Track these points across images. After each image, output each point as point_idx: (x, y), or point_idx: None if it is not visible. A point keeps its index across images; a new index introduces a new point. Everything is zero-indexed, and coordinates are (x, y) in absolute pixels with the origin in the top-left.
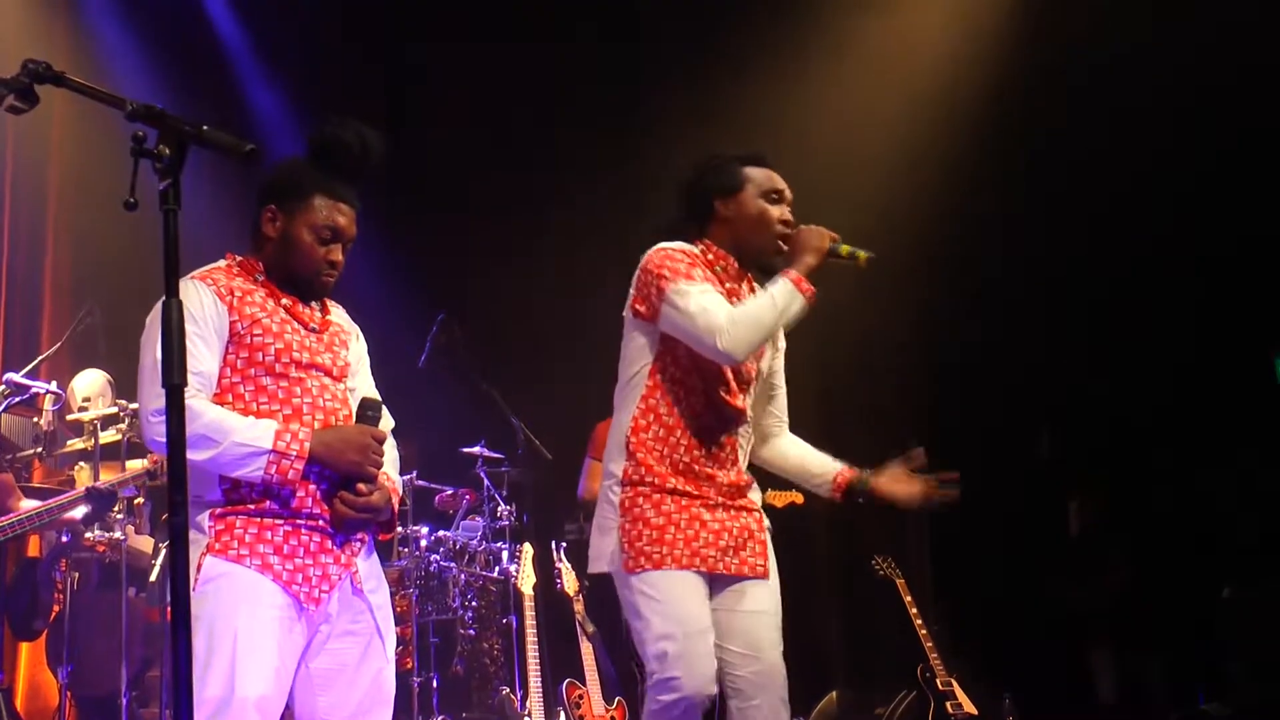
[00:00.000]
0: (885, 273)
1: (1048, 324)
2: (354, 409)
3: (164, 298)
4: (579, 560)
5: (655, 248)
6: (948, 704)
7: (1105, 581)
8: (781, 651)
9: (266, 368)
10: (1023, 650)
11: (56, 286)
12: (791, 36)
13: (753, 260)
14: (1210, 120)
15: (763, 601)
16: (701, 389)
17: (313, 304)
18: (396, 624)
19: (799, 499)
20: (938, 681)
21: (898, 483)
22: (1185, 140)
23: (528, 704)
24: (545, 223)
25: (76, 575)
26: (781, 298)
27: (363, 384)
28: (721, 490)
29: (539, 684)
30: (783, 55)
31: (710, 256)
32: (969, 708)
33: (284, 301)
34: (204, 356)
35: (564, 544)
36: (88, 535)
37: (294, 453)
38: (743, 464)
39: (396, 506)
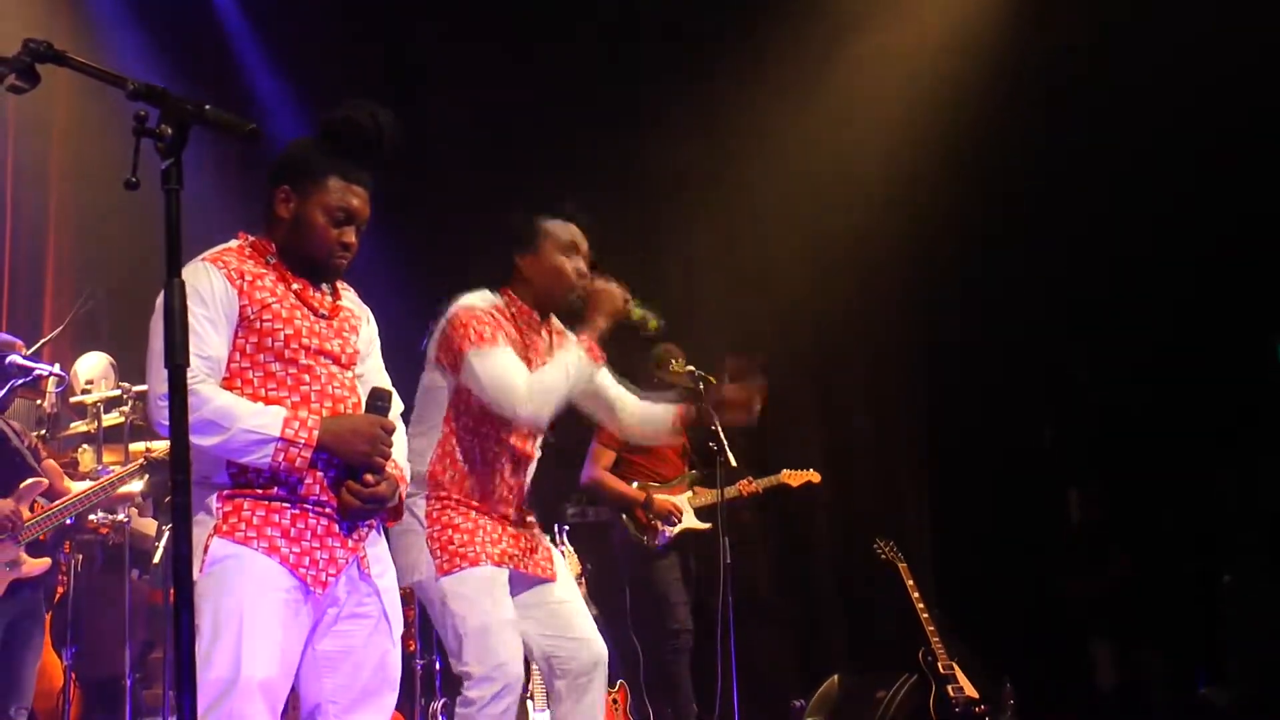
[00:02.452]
0: (888, 264)
1: (1049, 314)
2: (363, 395)
3: (167, 279)
4: (580, 543)
5: (462, 304)
6: (949, 688)
7: (1105, 569)
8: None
9: (276, 353)
10: (1023, 636)
11: (59, 269)
12: (793, 34)
13: (551, 310)
14: (1208, 111)
15: (569, 592)
16: (494, 434)
17: (324, 287)
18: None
19: (815, 478)
20: (939, 665)
21: (731, 401)
22: (1183, 129)
23: (529, 686)
24: (550, 207)
25: (80, 557)
26: (574, 366)
27: (373, 367)
28: (512, 522)
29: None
30: (784, 53)
31: (513, 310)
32: (970, 692)
33: (294, 286)
34: (213, 341)
35: (565, 527)
36: (91, 518)
37: (302, 441)
38: (525, 499)
39: (404, 494)
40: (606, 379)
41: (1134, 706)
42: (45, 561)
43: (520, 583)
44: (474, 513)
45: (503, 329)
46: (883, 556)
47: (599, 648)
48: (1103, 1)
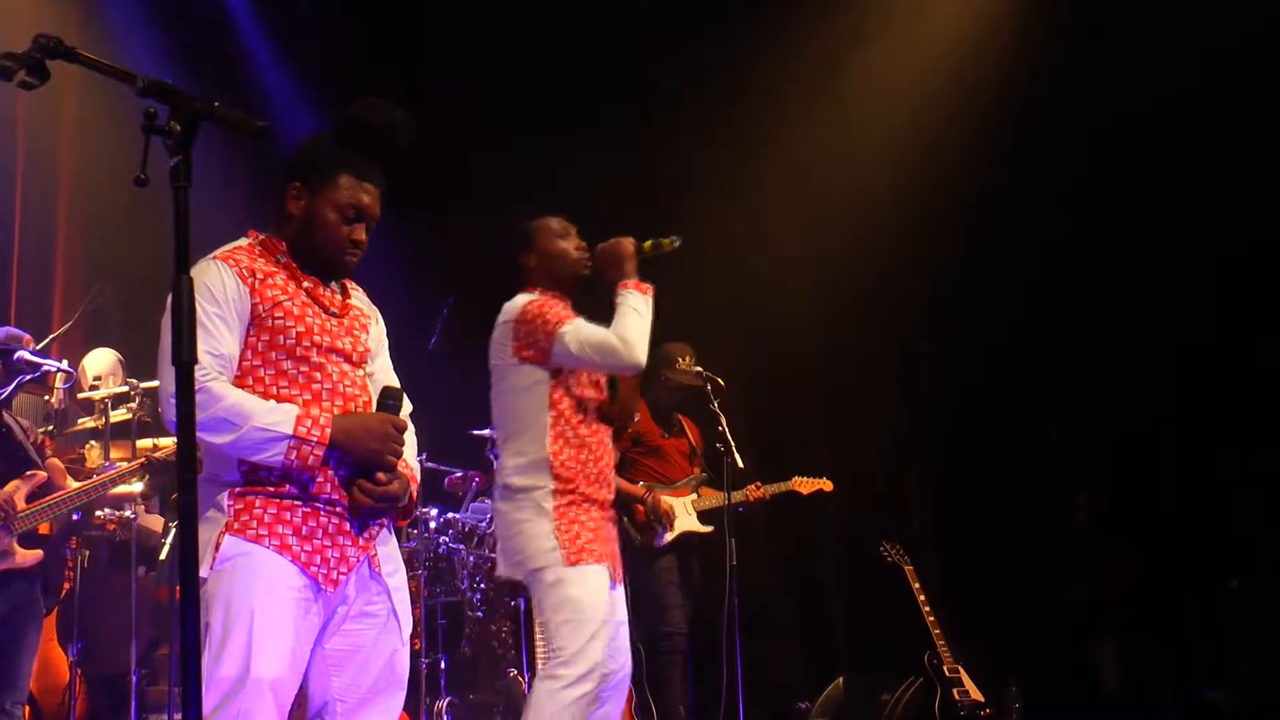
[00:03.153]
0: (892, 263)
1: (1056, 315)
2: (373, 393)
3: (176, 275)
4: None
5: (518, 304)
6: (954, 691)
7: (1112, 572)
8: None
9: (287, 351)
10: (1029, 638)
11: (68, 265)
12: (798, 41)
13: (571, 289)
14: (1215, 110)
15: (623, 607)
16: (590, 403)
17: (333, 285)
18: None
19: (828, 486)
20: (944, 668)
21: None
22: (1190, 129)
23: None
24: (554, 208)
25: (87, 553)
26: (640, 304)
27: (382, 366)
28: (611, 493)
29: None
30: (788, 51)
31: (549, 296)
32: (975, 695)
33: (305, 284)
34: (225, 338)
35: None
36: (98, 514)
37: (315, 439)
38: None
39: (415, 493)
40: None
41: (1140, 709)
42: (36, 554)
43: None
44: (594, 510)
45: (566, 308)
46: (888, 559)
47: (629, 661)
48: (1108, 8)
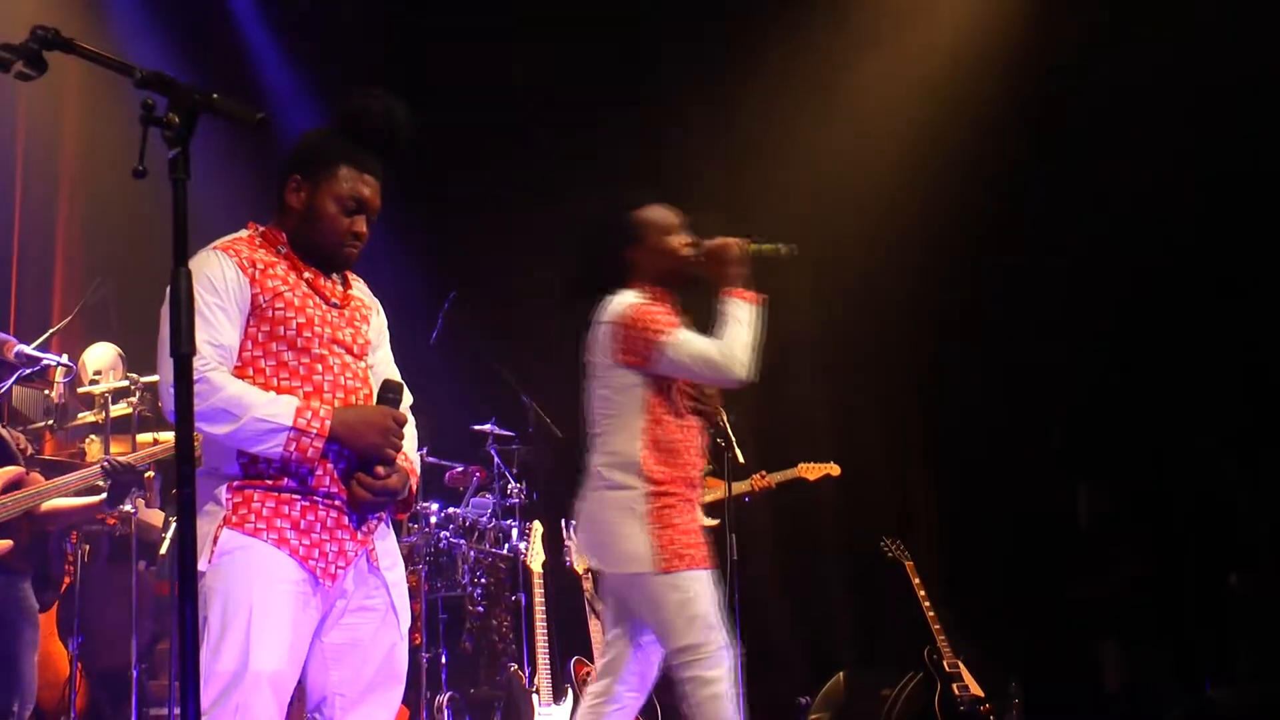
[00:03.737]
0: (896, 261)
1: (1059, 314)
2: (374, 386)
3: (174, 267)
4: None
5: (623, 305)
6: (954, 686)
7: (1113, 569)
8: None
9: (288, 342)
10: (1030, 634)
11: (68, 259)
12: (806, 39)
13: (678, 285)
14: (1224, 110)
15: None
16: (686, 409)
17: (334, 277)
18: None
19: (835, 470)
20: (945, 664)
21: None
22: (1199, 131)
23: (536, 681)
24: (558, 202)
25: (87, 548)
26: (746, 316)
27: (383, 358)
28: (700, 495)
29: (547, 661)
30: (794, 45)
31: (654, 298)
32: (975, 690)
33: (306, 275)
34: (225, 329)
35: (574, 522)
36: None
37: (314, 430)
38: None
39: (415, 487)
40: None
41: (1141, 706)
42: (6, 544)
43: None
44: (688, 511)
45: (671, 314)
46: (889, 555)
47: (654, 677)
48: (1114, 7)
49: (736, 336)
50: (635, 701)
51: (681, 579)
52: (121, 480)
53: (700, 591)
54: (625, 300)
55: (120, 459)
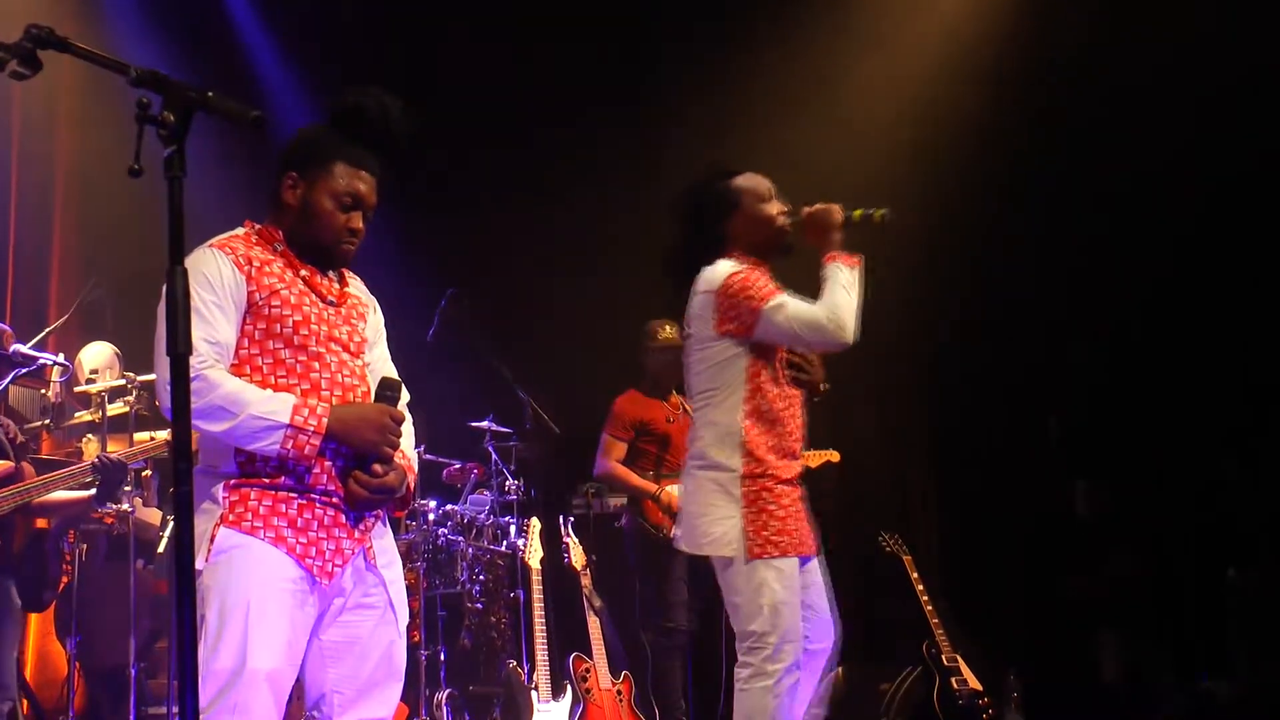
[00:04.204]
0: (895, 257)
1: (1058, 309)
2: (371, 384)
3: (170, 266)
4: (586, 534)
5: (721, 274)
6: (953, 680)
7: (1110, 562)
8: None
9: (285, 339)
10: (1028, 628)
11: (64, 258)
12: (802, 28)
13: (773, 254)
14: (1223, 107)
15: (821, 573)
16: (786, 380)
17: (331, 275)
18: None
19: (835, 457)
20: (943, 658)
21: None
22: (1197, 126)
23: (534, 677)
24: (555, 200)
25: (85, 547)
26: (847, 279)
27: (380, 356)
28: (800, 468)
29: (546, 657)
30: (791, 46)
31: (749, 264)
32: (974, 684)
33: (303, 273)
34: (222, 326)
35: (571, 518)
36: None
37: (311, 428)
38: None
39: (413, 484)
40: None
41: (1138, 700)
42: None
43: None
44: (785, 496)
45: (771, 281)
46: (887, 549)
47: (837, 632)
48: (1113, 4)
49: (840, 299)
50: (824, 650)
51: (764, 566)
52: (111, 477)
53: (778, 580)
54: (724, 269)
55: (111, 455)
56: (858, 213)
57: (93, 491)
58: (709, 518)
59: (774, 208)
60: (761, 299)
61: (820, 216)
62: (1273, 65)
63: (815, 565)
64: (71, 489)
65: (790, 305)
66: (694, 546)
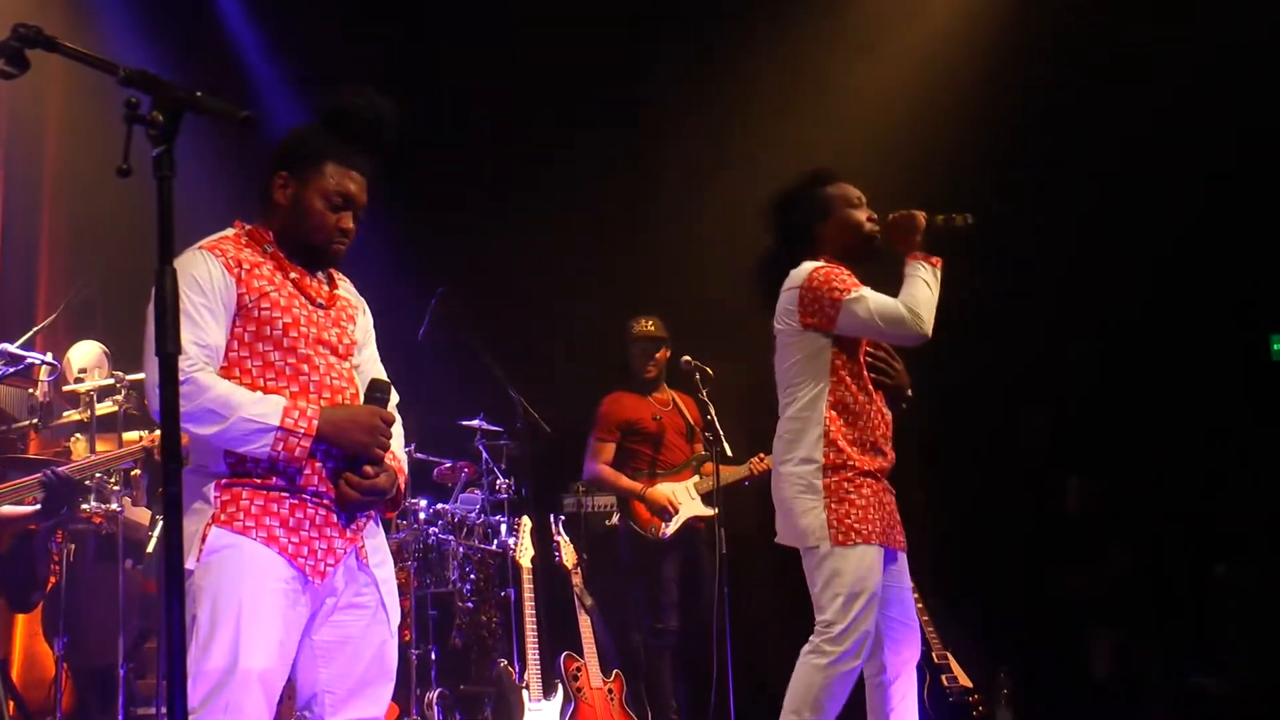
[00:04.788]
0: (887, 254)
1: (1050, 306)
2: (360, 385)
3: (159, 266)
4: (577, 533)
5: (806, 271)
6: (943, 678)
7: (1101, 559)
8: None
9: (274, 342)
10: (1018, 625)
11: (53, 257)
12: (798, 10)
13: (860, 259)
14: (1213, 103)
15: (908, 577)
16: (872, 374)
17: (320, 277)
18: None
19: None
20: (934, 655)
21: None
22: (1189, 123)
23: (525, 676)
24: (546, 199)
25: (73, 547)
26: (930, 277)
27: (369, 357)
28: (889, 462)
29: (537, 656)
30: (789, 44)
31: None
32: (964, 681)
33: (292, 275)
34: (211, 328)
35: (562, 517)
36: (84, 507)
37: (302, 430)
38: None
39: (403, 485)
40: None
41: (1128, 696)
42: None
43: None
44: (866, 486)
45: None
46: None
47: (919, 640)
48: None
49: (920, 294)
50: (913, 656)
51: (843, 554)
52: (57, 493)
53: (854, 570)
54: (809, 266)
55: (61, 471)
56: (940, 218)
57: (35, 508)
58: (795, 511)
59: (863, 214)
60: (844, 290)
61: (904, 221)
62: (1260, 53)
63: (902, 570)
64: (20, 503)
65: (871, 298)
66: (784, 539)
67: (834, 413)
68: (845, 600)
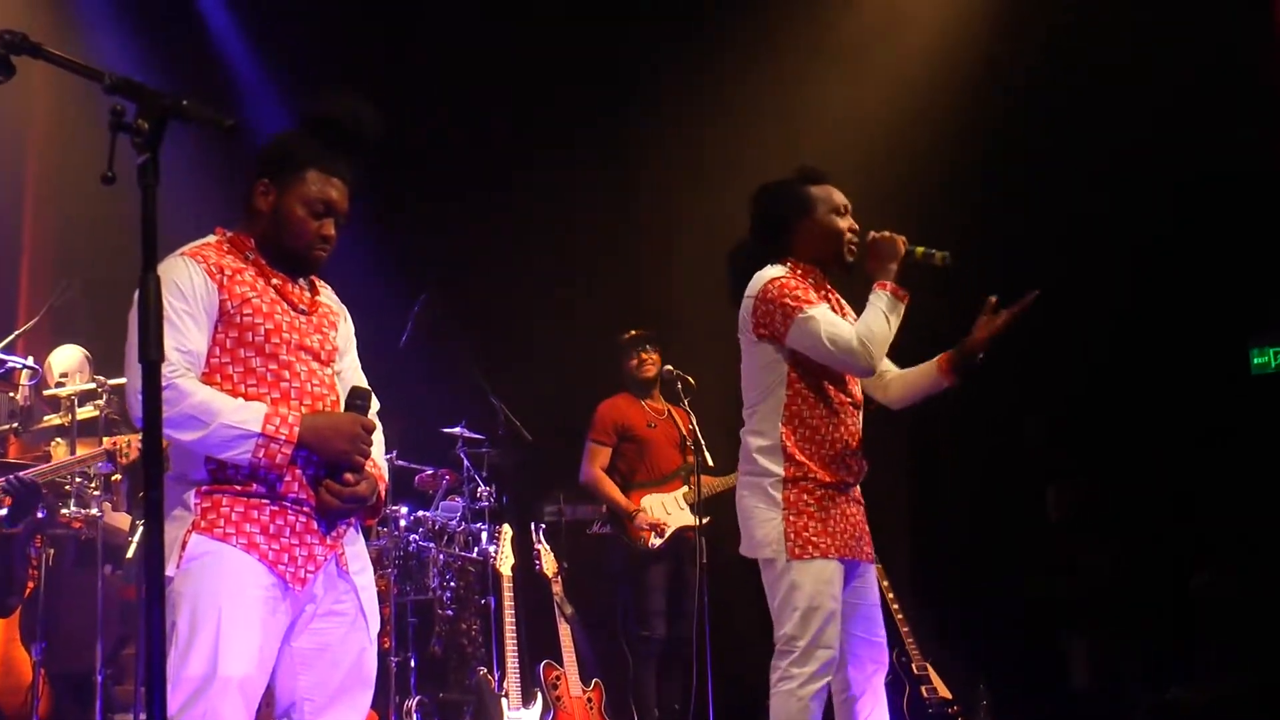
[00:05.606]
0: (865, 262)
1: (1029, 315)
2: (340, 392)
3: (143, 273)
4: (557, 542)
5: (764, 278)
6: (923, 688)
7: (1081, 570)
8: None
9: (256, 348)
10: (998, 636)
11: (34, 260)
12: (781, 24)
13: (831, 268)
14: (1199, 110)
15: (876, 593)
16: (832, 388)
17: (301, 283)
18: None
19: None
20: (913, 666)
21: (983, 326)
22: (1167, 130)
23: (505, 684)
24: (529, 205)
25: (52, 552)
26: (889, 309)
27: (350, 364)
28: (852, 474)
29: (516, 664)
30: (774, 43)
31: (799, 272)
32: (944, 692)
33: (274, 281)
34: (193, 334)
35: (543, 525)
36: (64, 512)
37: (283, 437)
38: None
39: (384, 492)
40: None
41: (1108, 707)
42: None
43: (850, 566)
44: (826, 498)
45: (811, 290)
46: None
47: (885, 654)
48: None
49: (876, 325)
50: (878, 670)
51: (800, 568)
52: (22, 498)
53: (813, 584)
54: (768, 274)
55: (24, 475)
56: (920, 250)
57: (3, 512)
58: (754, 521)
59: (844, 222)
60: (797, 307)
61: (884, 245)
62: (1237, 60)
63: (868, 585)
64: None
65: (824, 319)
66: (745, 551)
67: (789, 426)
68: (803, 614)
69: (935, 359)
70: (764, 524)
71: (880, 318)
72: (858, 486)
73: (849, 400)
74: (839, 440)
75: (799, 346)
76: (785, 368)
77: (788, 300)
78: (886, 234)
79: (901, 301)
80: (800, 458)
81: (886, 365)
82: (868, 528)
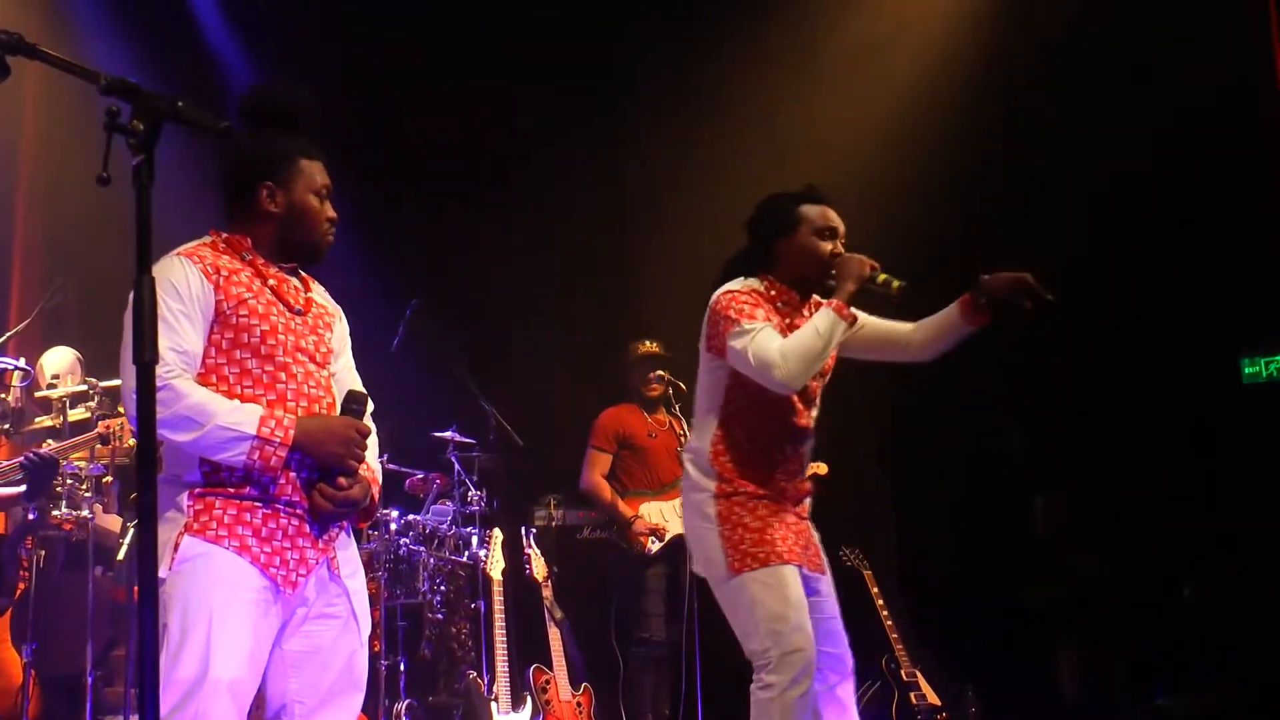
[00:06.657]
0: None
1: (1018, 324)
2: (336, 394)
3: (137, 275)
4: (548, 546)
5: (722, 290)
6: (911, 695)
7: (1070, 579)
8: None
9: (252, 349)
10: (987, 644)
11: (26, 261)
12: (776, 27)
13: (810, 290)
14: (1192, 115)
15: (834, 605)
16: (772, 413)
17: (297, 284)
18: None
19: (822, 469)
20: (902, 673)
21: (1006, 276)
22: (1159, 143)
23: (494, 688)
24: (521, 211)
25: (43, 553)
26: (824, 326)
27: (344, 366)
28: (788, 497)
29: (506, 669)
30: (768, 46)
31: (773, 292)
32: (933, 699)
33: (270, 282)
34: (189, 335)
35: (533, 530)
36: (55, 513)
37: (278, 440)
38: (804, 473)
39: (376, 496)
40: (877, 323)
41: (1096, 716)
42: None
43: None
44: (761, 508)
45: (761, 307)
46: (847, 563)
47: (851, 662)
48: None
49: (802, 342)
50: (842, 680)
51: (749, 580)
52: (40, 474)
53: (768, 593)
54: (728, 286)
55: (42, 451)
56: (881, 276)
57: (22, 489)
58: (694, 538)
59: (828, 245)
60: (736, 320)
61: (850, 266)
62: (1233, 70)
63: (826, 599)
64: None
65: (757, 335)
66: (697, 568)
67: (722, 444)
68: (765, 625)
69: (956, 301)
70: (702, 541)
71: (812, 333)
72: (805, 506)
73: (790, 425)
74: (773, 464)
75: (731, 361)
76: (726, 382)
77: (730, 313)
78: (857, 256)
79: (845, 321)
80: (727, 474)
81: (903, 325)
82: (818, 543)
